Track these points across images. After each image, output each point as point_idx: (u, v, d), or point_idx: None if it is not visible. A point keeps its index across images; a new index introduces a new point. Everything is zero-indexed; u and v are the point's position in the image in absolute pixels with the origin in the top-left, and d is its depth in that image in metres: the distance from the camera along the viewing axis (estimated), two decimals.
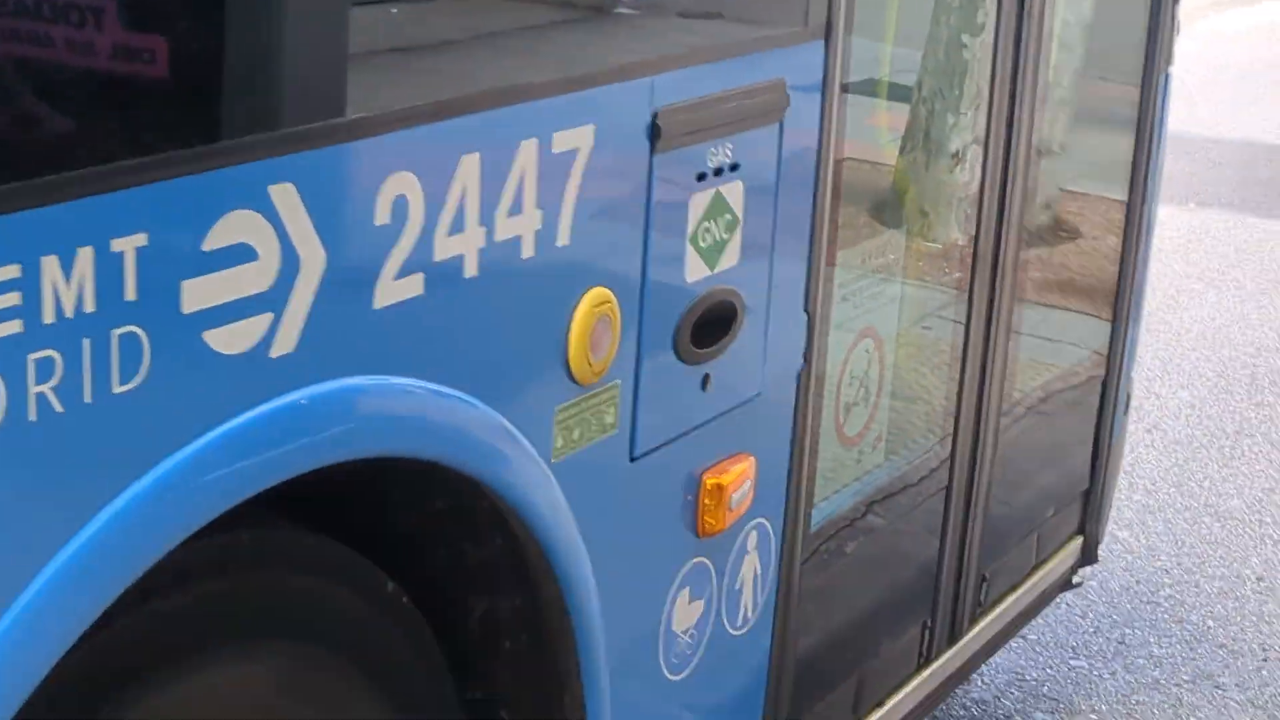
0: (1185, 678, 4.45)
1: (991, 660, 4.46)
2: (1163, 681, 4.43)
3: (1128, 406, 4.24)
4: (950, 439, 3.43)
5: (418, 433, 2.06)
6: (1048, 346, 3.98)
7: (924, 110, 3.75)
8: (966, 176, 3.78)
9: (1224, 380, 6.47)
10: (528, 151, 2.13)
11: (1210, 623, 4.73)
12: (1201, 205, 8.78)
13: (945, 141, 3.56)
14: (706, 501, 2.63)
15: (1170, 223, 8.43)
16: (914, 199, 3.70)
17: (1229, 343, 6.86)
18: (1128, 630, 4.68)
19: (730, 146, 2.52)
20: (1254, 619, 4.75)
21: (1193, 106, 10.90)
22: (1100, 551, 4.93)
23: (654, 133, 2.35)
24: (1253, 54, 13.16)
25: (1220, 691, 4.38)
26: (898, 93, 3.54)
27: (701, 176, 2.48)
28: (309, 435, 1.90)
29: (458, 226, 2.04)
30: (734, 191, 2.56)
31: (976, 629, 3.67)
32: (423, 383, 2.03)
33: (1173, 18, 4.03)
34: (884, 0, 3.21)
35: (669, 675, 2.65)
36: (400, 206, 1.96)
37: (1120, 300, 4.05)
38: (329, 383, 1.90)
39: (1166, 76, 4.05)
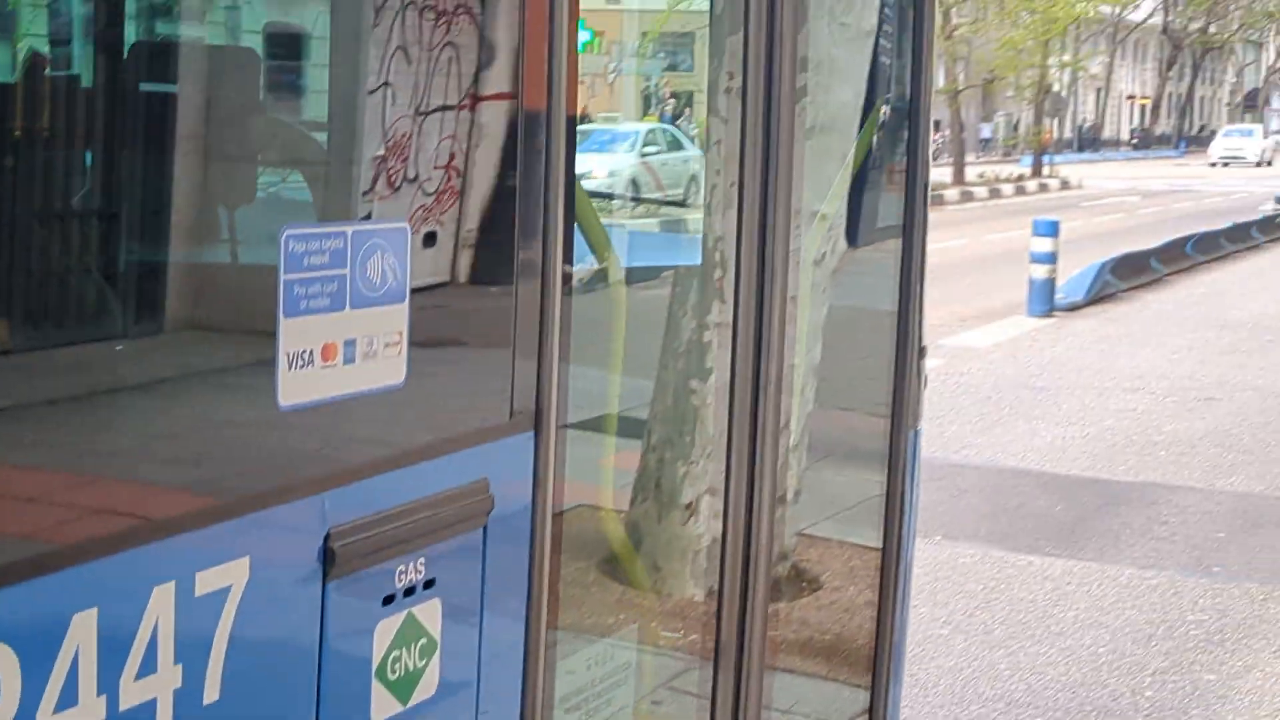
0: None
1: None
2: None
3: None
4: None
5: None
6: None
7: (653, 459, 3.47)
8: (701, 529, 3.50)
9: None
10: (161, 599, 1.76)
11: None
12: (949, 538, 8.54)
13: (677, 493, 3.28)
14: None
15: (917, 559, 8.16)
16: (646, 554, 3.40)
17: (977, 697, 6.30)
18: None
19: (423, 561, 2.18)
20: None
21: (941, 427, 10.76)
22: None
23: (327, 557, 2.00)
24: (997, 372, 13.22)
25: None
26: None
27: (389, 600, 2.13)
28: None
29: (68, 700, 1.65)
30: (429, 612, 2.21)
31: None
32: None
33: (918, 374, 3.82)
34: (604, 375, 2.92)
35: None
36: None
37: (879, 665, 3.75)
38: None
39: (915, 433, 3.83)
